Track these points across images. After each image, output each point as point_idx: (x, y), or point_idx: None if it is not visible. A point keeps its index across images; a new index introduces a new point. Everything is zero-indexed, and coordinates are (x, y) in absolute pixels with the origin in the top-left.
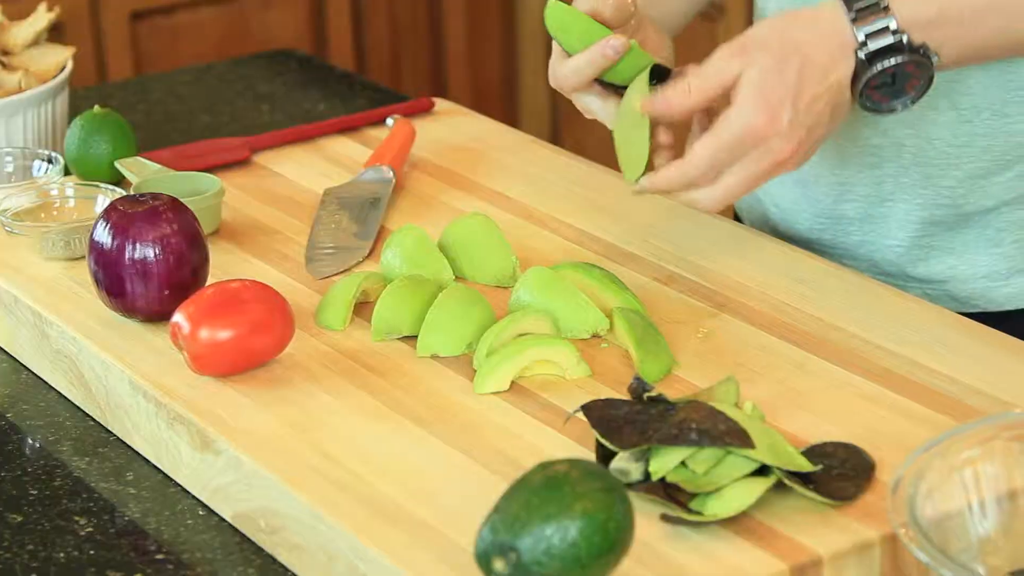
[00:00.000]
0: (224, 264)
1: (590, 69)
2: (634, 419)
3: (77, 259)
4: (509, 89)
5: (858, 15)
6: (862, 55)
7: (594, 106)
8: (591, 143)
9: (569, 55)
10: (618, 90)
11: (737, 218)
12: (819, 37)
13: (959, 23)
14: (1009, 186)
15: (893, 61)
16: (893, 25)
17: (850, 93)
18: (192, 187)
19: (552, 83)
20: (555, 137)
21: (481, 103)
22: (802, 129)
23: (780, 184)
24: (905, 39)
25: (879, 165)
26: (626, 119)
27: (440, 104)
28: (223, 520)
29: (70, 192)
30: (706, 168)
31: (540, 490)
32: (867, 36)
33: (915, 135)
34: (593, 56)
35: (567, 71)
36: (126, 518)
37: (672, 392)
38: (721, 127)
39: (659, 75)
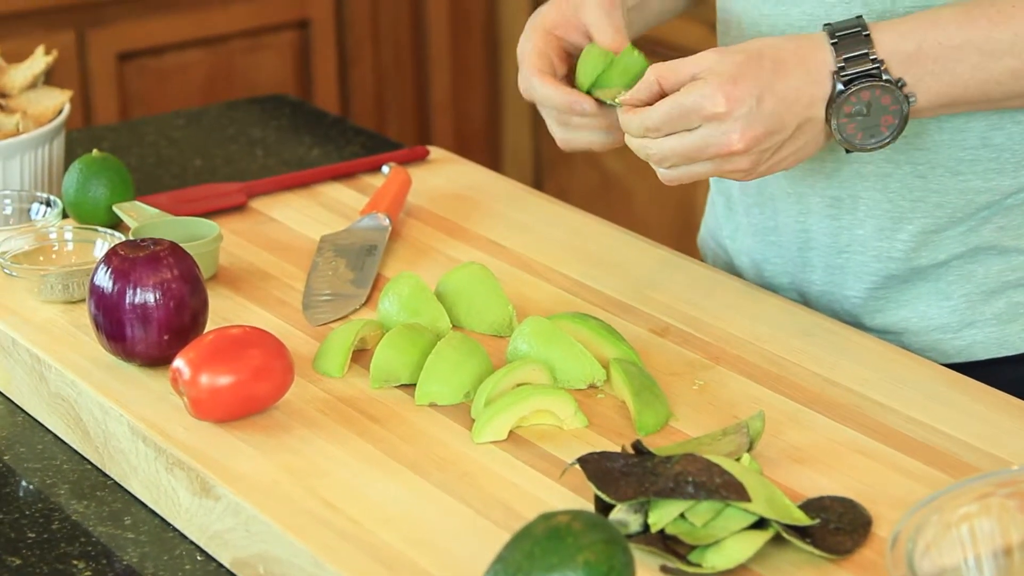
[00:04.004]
0: (222, 309)
1: (566, 110)
2: (630, 472)
3: (75, 302)
4: (493, 135)
5: (840, 41)
6: (839, 80)
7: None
8: (574, 189)
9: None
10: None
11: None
12: (799, 55)
13: (937, 59)
14: (960, 240)
15: (867, 86)
16: (873, 54)
17: (824, 119)
18: (190, 232)
19: (525, 92)
20: (538, 183)
21: (465, 148)
22: (759, 127)
23: (747, 234)
24: (883, 69)
25: (838, 217)
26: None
27: (435, 152)
28: (221, 566)
29: (68, 235)
30: (659, 121)
31: (543, 540)
32: (846, 61)
33: (871, 187)
34: (569, 100)
35: (552, 97)
36: (124, 562)
37: (669, 442)
38: (683, 92)
39: None
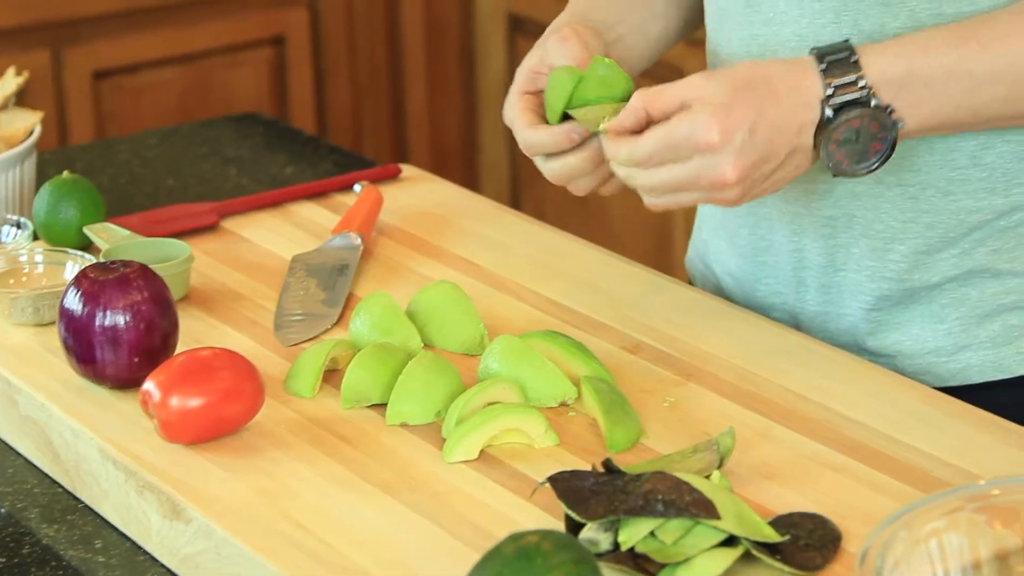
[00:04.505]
0: (193, 330)
1: (559, 146)
2: (600, 490)
3: (46, 325)
4: (469, 152)
5: (829, 67)
6: (828, 107)
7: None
8: (551, 206)
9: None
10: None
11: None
12: (789, 81)
13: (926, 84)
14: (953, 263)
15: (857, 114)
16: (862, 81)
17: (813, 145)
18: (161, 253)
19: (525, 150)
20: (515, 200)
21: (441, 165)
22: (753, 154)
23: (736, 256)
24: (872, 96)
25: (833, 236)
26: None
27: (407, 170)
28: None
29: (39, 258)
30: (649, 153)
31: (512, 561)
32: (835, 88)
33: (864, 207)
34: (560, 138)
35: (543, 141)
36: None
37: (639, 460)
38: (675, 122)
39: None
